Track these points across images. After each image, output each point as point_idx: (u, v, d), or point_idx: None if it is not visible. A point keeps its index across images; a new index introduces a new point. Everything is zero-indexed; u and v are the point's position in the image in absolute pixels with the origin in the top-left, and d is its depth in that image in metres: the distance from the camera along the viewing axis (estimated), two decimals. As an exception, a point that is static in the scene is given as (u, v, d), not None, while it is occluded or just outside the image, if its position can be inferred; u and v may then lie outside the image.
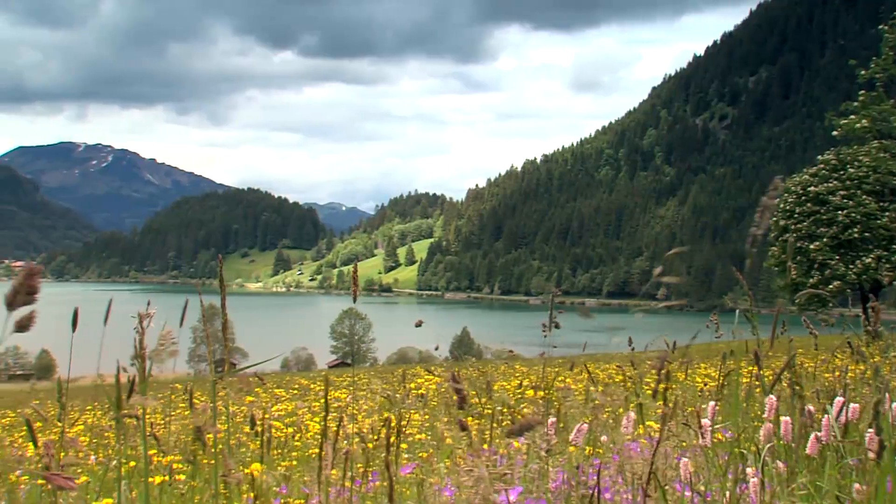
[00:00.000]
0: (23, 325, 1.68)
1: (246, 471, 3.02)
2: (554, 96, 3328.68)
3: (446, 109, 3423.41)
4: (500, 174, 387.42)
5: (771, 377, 3.26)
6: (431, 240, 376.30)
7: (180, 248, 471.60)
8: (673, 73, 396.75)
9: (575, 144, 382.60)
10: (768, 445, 3.02)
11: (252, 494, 2.93)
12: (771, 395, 3.12)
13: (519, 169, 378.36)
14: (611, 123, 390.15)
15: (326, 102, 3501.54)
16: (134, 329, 2.64)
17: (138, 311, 2.64)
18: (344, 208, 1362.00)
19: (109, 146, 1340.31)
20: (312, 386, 21.56)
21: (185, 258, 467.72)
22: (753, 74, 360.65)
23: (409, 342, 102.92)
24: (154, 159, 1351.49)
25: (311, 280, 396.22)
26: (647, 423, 4.10)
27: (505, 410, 4.35)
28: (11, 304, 1.64)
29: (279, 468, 5.00)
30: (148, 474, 2.80)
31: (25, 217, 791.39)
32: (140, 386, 2.60)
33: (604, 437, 3.89)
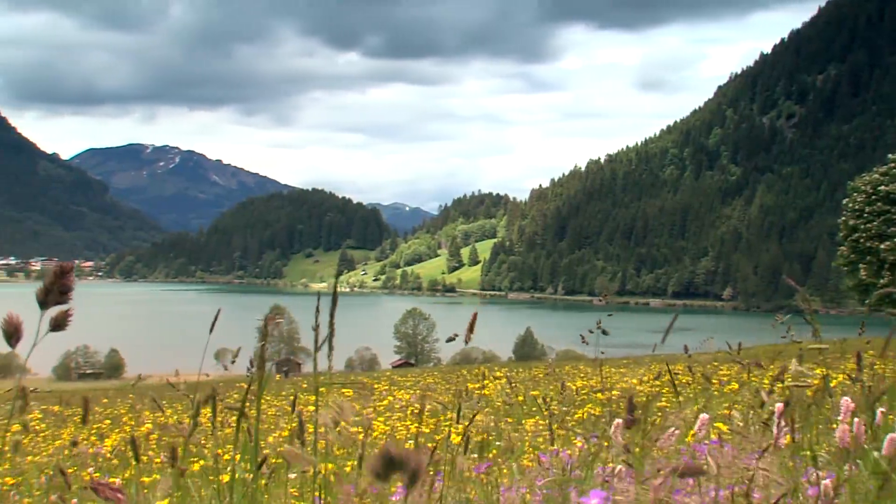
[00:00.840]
0: (58, 324, 1.68)
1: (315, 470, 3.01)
2: (618, 96, 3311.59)
3: (510, 109, 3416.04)
4: (563, 174, 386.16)
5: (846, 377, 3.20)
6: (495, 240, 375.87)
7: (246, 249, 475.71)
8: (739, 72, 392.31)
9: (639, 144, 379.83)
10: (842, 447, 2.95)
11: (324, 493, 2.92)
12: (846, 397, 3.04)
13: (583, 169, 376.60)
14: (676, 123, 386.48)
15: (390, 103, 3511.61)
16: (257, 329, 2.67)
17: (265, 315, 2.66)
18: (407, 208, 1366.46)
19: (177, 147, 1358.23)
20: (377, 386, 21.62)
21: (250, 258, 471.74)
22: (822, 72, 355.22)
23: (472, 342, 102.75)
24: (220, 160, 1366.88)
25: (374, 280, 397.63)
26: (716, 424, 4.04)
27: (576, 412, 4.32)
28: (44, 303, 1.63)
29: (346, 468, 5.01)
30: (257, 476, 2.80)
31: (95, 218, 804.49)
32: (258, 388, 2.61)
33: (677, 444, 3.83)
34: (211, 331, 3.08)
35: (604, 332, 4.36)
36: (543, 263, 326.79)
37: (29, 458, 9.08)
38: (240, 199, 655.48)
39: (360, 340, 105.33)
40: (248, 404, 2.69)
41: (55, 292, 1.60)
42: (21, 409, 2.38)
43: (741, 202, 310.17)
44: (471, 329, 2.91)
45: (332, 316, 2.65)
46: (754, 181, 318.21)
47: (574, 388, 10.12)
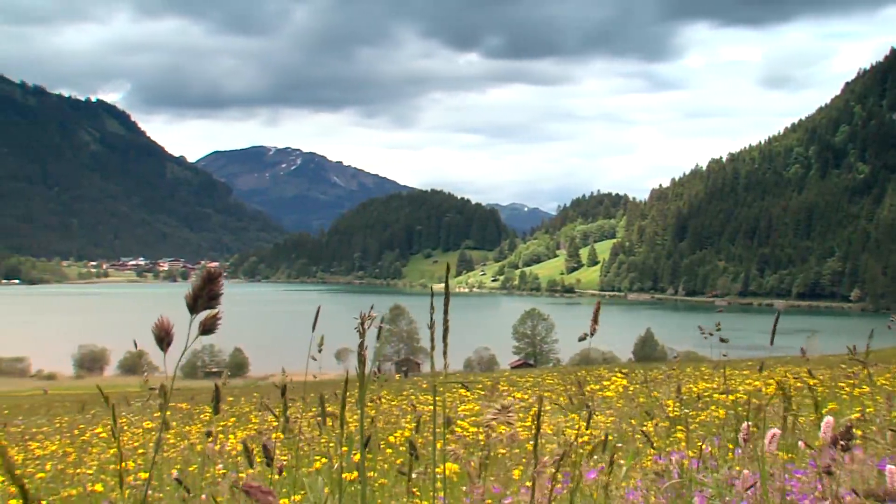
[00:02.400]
0: (207, 329, 1.69)
1: (437, 469, 3.02)
2: (742, 94, 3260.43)
3: (631, 109, 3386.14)
4: (684, 173, 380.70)
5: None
6: (614, 240, 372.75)
7: (365, 249, 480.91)
8: (868, 67, 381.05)
9: (763, 143, 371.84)
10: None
11: (442, 493, 2.93)
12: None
13: (704, 168, 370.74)
14: (801, 120, 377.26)
15: (510, 103, 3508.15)
16: (355, 329, 2.68)
17: (360, 313, 2.69)
18: (526, 209, 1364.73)
19: (298, 149, 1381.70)
20: (498, 386, 21.61)
21: (370, 259, 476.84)
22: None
23: (592, 343, 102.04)
24: (341, 162, 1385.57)
25: (493, 280, 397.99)
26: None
27: (694, 414, 4.24)
28: (193, 309, 1.66)
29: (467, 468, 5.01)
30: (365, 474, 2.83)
31: (220, 219, 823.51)
32: (361, 387, 2.64)
33: (800, 443, 3.74)
34: (313, 328, 3.11)
35: (722, 340, 4.26)
36: (664, 264, 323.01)
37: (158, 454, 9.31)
38: (360, 200, 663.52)
39: (478, 341, 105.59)
40: (360, 403, 2.71)
41: (204, 297, 1.62)
42: (161, 407, 2.44)
43: (869, 201, 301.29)
44: (595, 320, 2.89)
45: (445, 313, 2.66)
46: (883, 179, 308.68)
47: (696, 390, 9.97)
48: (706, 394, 8.39)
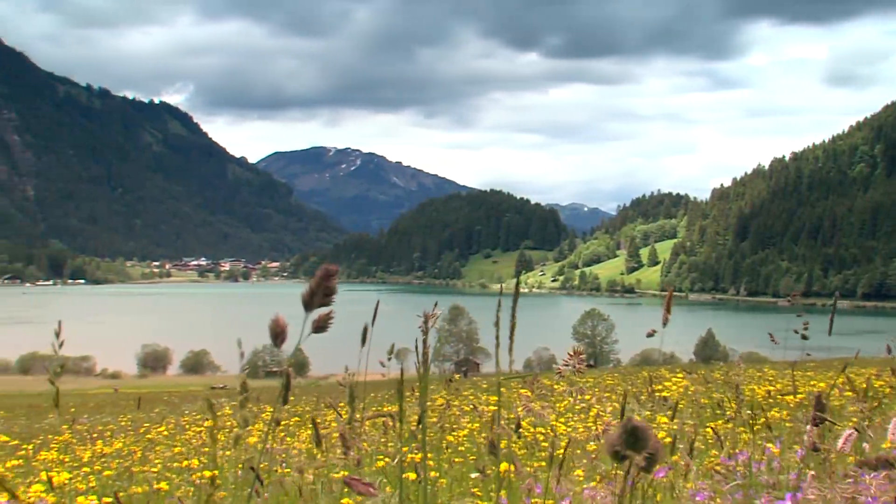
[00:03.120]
0: (320, 327, 1.70)
1: (491, 470, 3.02)
2: (805, 92, 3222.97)
3: (692, 108, 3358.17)
4: (746, 173, 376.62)
5: None
6: (675, 240, 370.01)
7: (425, 249, 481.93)
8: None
9: (826, 141, 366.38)
10: None
11: (504, 493, 2.92)
12: None
13: (767, 167, 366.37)
14: (867, 118, 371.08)
15: (570, 103, 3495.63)
16: (419, 328, 2.68)
17: (423, 311, 2.69)
18: (586, 209, 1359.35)
19: (358, 150, 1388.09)
20: (556, 387, 21.53)
21: (429, 259, 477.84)
22: None
23: (653, 343, 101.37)
24: (400, 162, 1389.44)
25: (552, 281, 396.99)
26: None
27: (761, 417, 4.19)
28: (309, 305, 1.66)
29: (528, 468, 5.00)
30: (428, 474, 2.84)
31: (280, 220, 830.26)
32: (421, 385, 2.65)
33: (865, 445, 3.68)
34: (373, 322, 3.12)
35: (804, 338, 4.21)
36: (725, 264, 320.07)
37: (221, 451, 9.40)
38: (419, 201, 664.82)
39: (538, 341, 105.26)
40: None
41: (319, 294, 1.63)
42: (242, 405, 2.45)
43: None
44: (668, 309, 2.87)
45: (513, 313, 2.65)
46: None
47: (759, 391, 9.86)
48: (770, 395, 8.30)
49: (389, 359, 4.06)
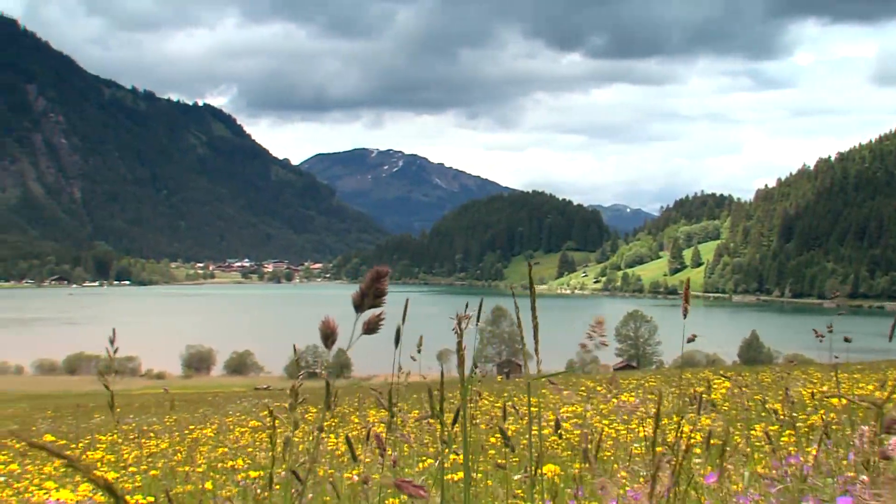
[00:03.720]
0: (371, 328, 1.71)
1: (540, 471, 3.01)
2: (852, 91, 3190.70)
3: (737, 108, 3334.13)
4: (791, 173, 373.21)
5: None
6: (718, 241, 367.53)
7: (467, 251, 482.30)
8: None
9: (873, 141, 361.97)
10: None
11: (548, 496, 2.92)
12: None
13: (812, 168, 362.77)
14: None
15: (613, 103, 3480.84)
16: (452, 330, 2.68)
17: (456, 313, 2.70)
18: (628, 210, 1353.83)
19: (400, 152, 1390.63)
20: (599, 388, 21.48)
21: (471, 260, 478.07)
22: None
23: (696, 345, 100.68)
24: (442, 163, 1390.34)
25: (595, 282, 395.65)
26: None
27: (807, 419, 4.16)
28: (360, 307, 1.67)
29: (571, 470, 5.00)
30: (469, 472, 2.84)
31: (322, 221, 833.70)
32: (463, 386, 2.65)
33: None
34: (402, 320, 3.11)
35: (846, 340, 4.17)
36: (769, 265, 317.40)
37: (263, 453, 9.46)
38: (461, 202, 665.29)
39: (580, 342, 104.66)
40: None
41: (370, 296, 1.63)
42: (292, 408, 2.46)
43: None
44: (686, 300, 2.85)
45: (533, 311, 2.65)
46: None
47: (805, 393, 9.76)
48: (816, 397, 8.22)
49: (419, 351, 4.06)
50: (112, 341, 2.98)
